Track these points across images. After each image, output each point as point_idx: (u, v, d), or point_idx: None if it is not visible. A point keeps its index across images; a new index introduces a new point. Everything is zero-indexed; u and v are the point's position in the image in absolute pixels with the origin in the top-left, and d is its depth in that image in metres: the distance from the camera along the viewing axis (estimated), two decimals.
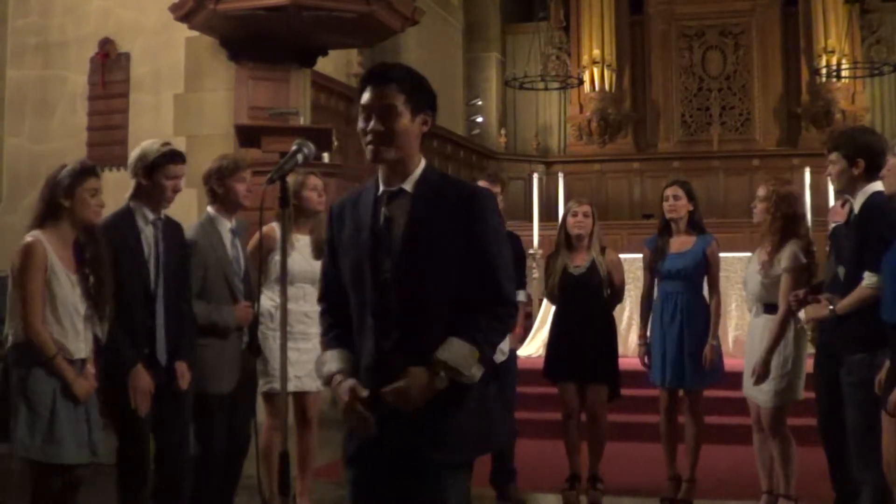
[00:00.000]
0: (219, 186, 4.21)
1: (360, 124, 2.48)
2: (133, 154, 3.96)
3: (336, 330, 2.60)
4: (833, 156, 3.93)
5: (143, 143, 4.04)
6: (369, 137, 2.44)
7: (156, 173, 3.86)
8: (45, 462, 3.47)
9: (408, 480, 2.45)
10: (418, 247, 2.43)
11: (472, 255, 2.43)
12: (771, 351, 4.45)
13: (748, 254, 4.97)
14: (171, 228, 3.99)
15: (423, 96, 2.48)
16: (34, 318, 3.44)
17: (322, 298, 2.68)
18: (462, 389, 2.41)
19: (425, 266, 2.43)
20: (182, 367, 3.91)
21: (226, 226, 4.24)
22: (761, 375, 4.44)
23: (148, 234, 3.88)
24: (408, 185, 2.48)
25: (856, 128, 4.12)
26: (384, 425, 2.42)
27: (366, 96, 2.46)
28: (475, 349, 2.37)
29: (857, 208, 3.87)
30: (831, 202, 8.59)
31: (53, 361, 3.45)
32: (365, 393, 2.42)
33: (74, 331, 3.54)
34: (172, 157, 3.91)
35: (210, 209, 4.26)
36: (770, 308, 4.54)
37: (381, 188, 2.51)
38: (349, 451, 2.53)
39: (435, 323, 2.42)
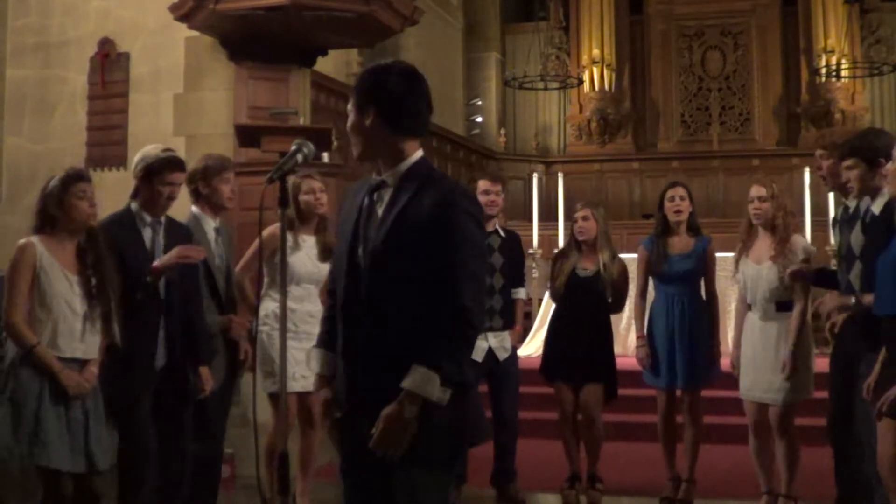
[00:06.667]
0: (204, 187, 4.21)
1: None
2: (136, 156, 3.97)
3: (327, 325, 2.65)
4: (850, 161, 3.90)
5: (146, 146, 4.04)
6: None
7: (153, 178, 3.86)
8: (35, 465, 3.45)
9: (389, 489, 2.45)
10: (391, 238, 2.44)
11: (438, 260, 2.41)
12: (797, 344, 4.47)
13: None
14: (175, 230, 3.99)
15: (362, 94, 2.52)
16: (13, 311, 3.50)
17: (328, 294, 2.73)
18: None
19: (395, 258, 2.43)
20: (205, 372, 3.93)
21: (210, 225, 4.25)
22: (794, 369, 4.46)
23: (146, 236, 3.88)
24: (390, 178, 2.51)
25: (867, 131, 4.11)
26: (363, 436, 2.43)
27: None
28: (436, 373, 2.35)
29: (877, 208, 3.84)
30: (831, 202, 8.56)
31: (34, 351, 3.46)
32: (337, 414, 2.54)
33: (68, 329, 3.54)
34: (171, 164, 3.90)
35: (194, 208, 4.26)
36: (783, 306, 4.56)
37: (374, 178, 2.57)
38: (340, 465, 2.60)
39: (400, 318, 2.42)
